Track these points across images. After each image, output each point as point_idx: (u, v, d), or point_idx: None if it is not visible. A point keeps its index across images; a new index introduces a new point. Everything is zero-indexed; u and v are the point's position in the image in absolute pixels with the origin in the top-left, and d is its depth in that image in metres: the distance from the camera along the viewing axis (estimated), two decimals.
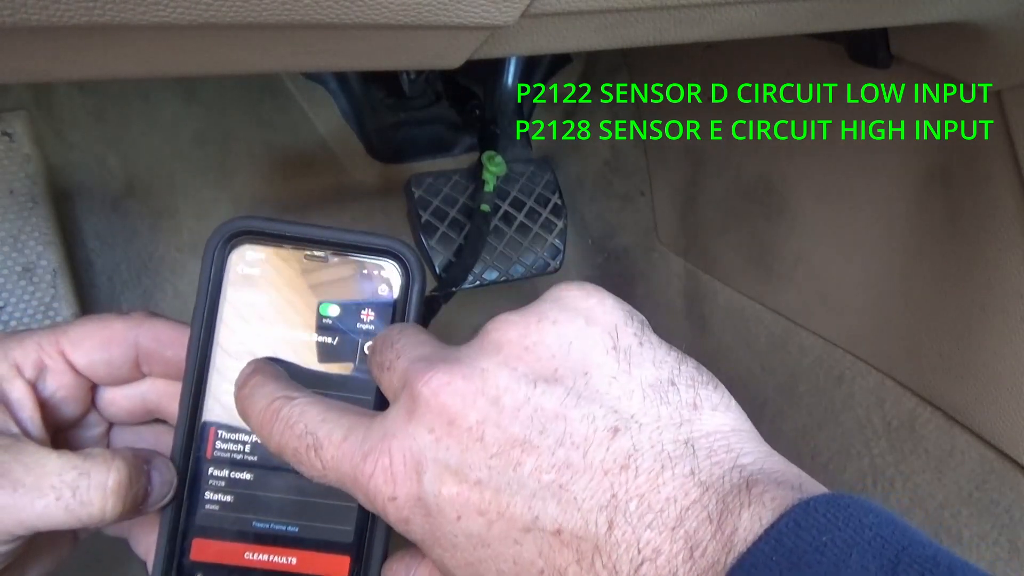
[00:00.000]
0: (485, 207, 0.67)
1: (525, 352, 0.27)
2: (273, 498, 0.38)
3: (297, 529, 0.38)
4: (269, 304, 0.37)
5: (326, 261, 0.38)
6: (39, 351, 0.35)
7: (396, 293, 0.38)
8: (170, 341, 0.37)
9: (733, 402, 0.27)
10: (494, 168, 0.67)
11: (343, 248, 0.38)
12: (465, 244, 0.67)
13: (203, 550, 0.38)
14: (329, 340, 0.38)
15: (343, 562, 0.38)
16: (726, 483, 0.23)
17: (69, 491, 0.31)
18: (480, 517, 0.25)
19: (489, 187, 0.67)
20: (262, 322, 0.37)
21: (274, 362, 0.36)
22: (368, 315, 0.38)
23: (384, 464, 0.27)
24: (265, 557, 0.38)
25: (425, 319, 0.66)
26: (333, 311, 0.38)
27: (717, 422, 0.26)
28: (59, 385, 0.36)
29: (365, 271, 0.38)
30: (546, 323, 0.27)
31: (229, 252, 0.37)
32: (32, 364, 0.35)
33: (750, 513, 0.22)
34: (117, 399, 0.38)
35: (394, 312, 0.38)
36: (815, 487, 0.24)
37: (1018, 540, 0.46)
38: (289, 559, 0.38)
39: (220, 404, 0.37)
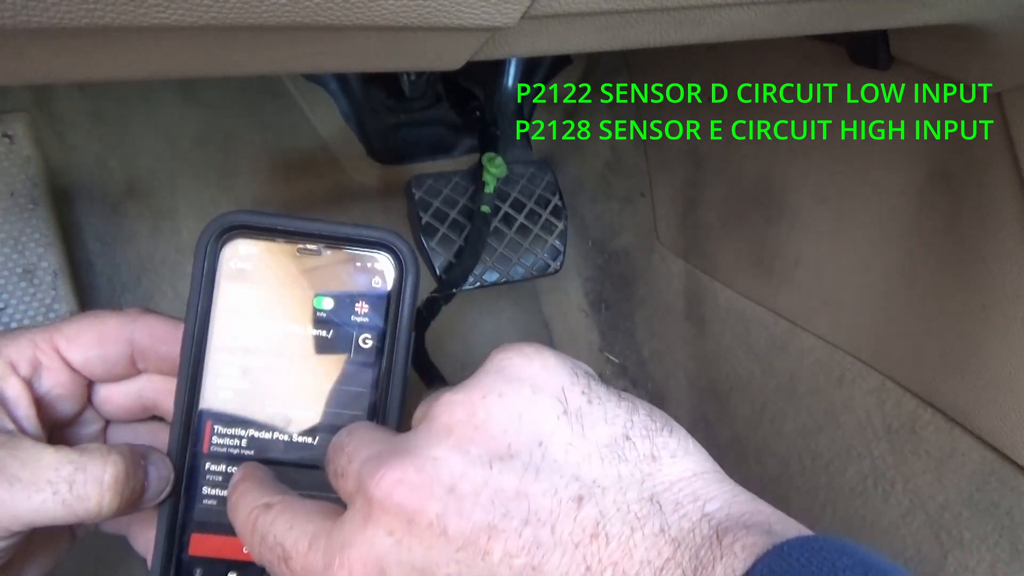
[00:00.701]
0: (485, 208, 0.67)
1: (475, 432, 0.26)
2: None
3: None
4: (263, 298, 0.37)
5: (319, 254, 0.37)
6: (34, 348, 0.35)
7: (390, 285, 0.38)
8: (165, 337, 0.37)
9: (691, 443, 0.27)
10: (495, 170, 0.67)
11: (336, 241, 0.37)
12: (465, 245, 0.67)
13: (202, 545, 0.37)
14: (324, 333, 0.38)
15: None
16: (696, 536, 0.23)
17: (66, 486, 0.31)
18: None
19: (489, 188, 0.67)
20: (256, 316, 0.37)
21: (261, 466, 0.35)
22: (363, 307, 0.38)
23: (344, 574, 0.26)
24: None
25: (426, 320, 0.66)
26: (327, 304, 0.37)
27: (678, 470, 0.25)
28: (55, 382, 0.35)
29: (359, 263, 0.38)
30: (492, 397, 0.27)
31: (222, 247, 0.36)
32: (27, 361, 0.34)
33: (723, 565, 0.22)
34: (113, 396, 0.38)
35: (388, 303, 0.38)
36: (786, 528, 0.24)
37: (1019, 542, 0.46)
38: None
39: (216, 399, 0.37)
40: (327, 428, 0.37)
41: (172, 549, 0.37)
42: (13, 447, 0.31)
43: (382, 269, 0.38)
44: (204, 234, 0.36)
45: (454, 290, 0.65)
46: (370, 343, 0.38)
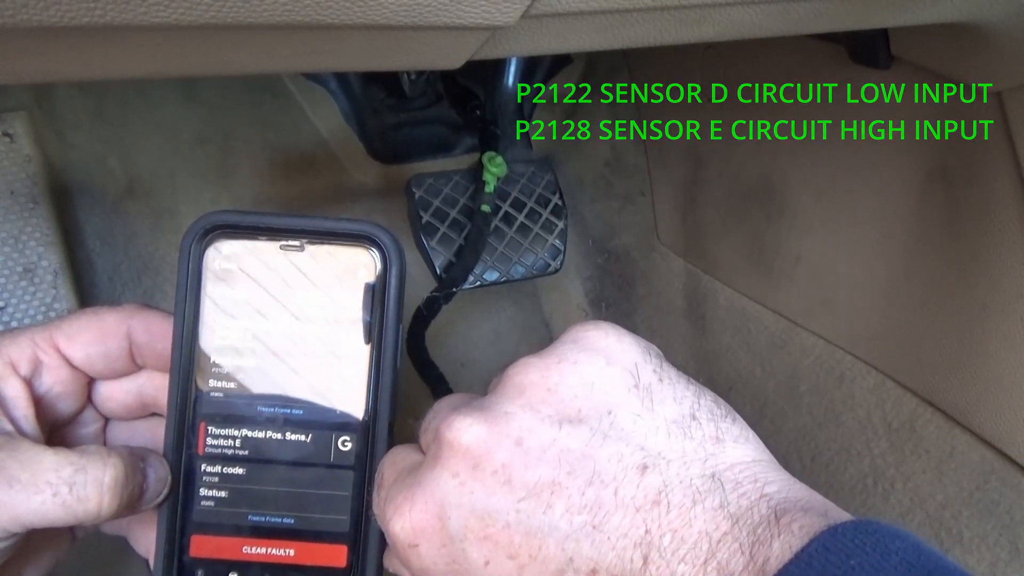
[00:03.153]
0: (486, 208, 0.67)
1: (548, 394, 0.27)
2: (267, 491, 0.37)
3: (293, 521, 0.37)
4: (250, 296, 0.37)
5: (303, 250, 0.37)
6: (34, 347, 0.35)
7: (375, 277, 0.37)
8: (161, 333, 0.37)
9: (751, 433, 0.28)
10: (495, 169, 0.67)
11: (319, 236, 0.37)
12: (465, 245, 0.67)
13: (202, 546, 0.37)
14: (313, 329, 0.37)
15: (341, 552, 0.38)
16: (755, 514, 0.24)
17: (66, 487, 0.31)
18: (510, 561, 0.25)
19: (490, 188, 0.67)
20: (244, 315, 0.37)
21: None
22: (349, 300, 0.37)
23: (405, 511, 0.27)
24: (263, 550, 0.37)
25: (426, 320, 0.66)
26: (314, 299, 0.37)
27: (740, 453, 0.26)
28: (55, 381, 0.35)
29: (343, 257, 0.37)
30: (567, 364, 0.28)
31: (205, 248, 0.36)
32: (28, 360, 0.34)
33: (780, 542, 0.23)
34: (114, 393, 0.38)
35: (373, 295, 0.37)
36: (841, 514, 0.24)
37: (1019, 541, 0.46)
38: (287, 551, 0.38)
39: (208, 400, 0.37)
40: (320, 425, 0.37)
41: (173, 551, 0.37)
42: (12, 448, 0.31)
43: (366, 261, 0.37)
44: (187, 236, 0.36)
45: (454, 289, 0.65)
46: (359, 336, 0.37)
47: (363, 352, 0.37)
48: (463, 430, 0.26)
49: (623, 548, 0.24)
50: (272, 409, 0.37)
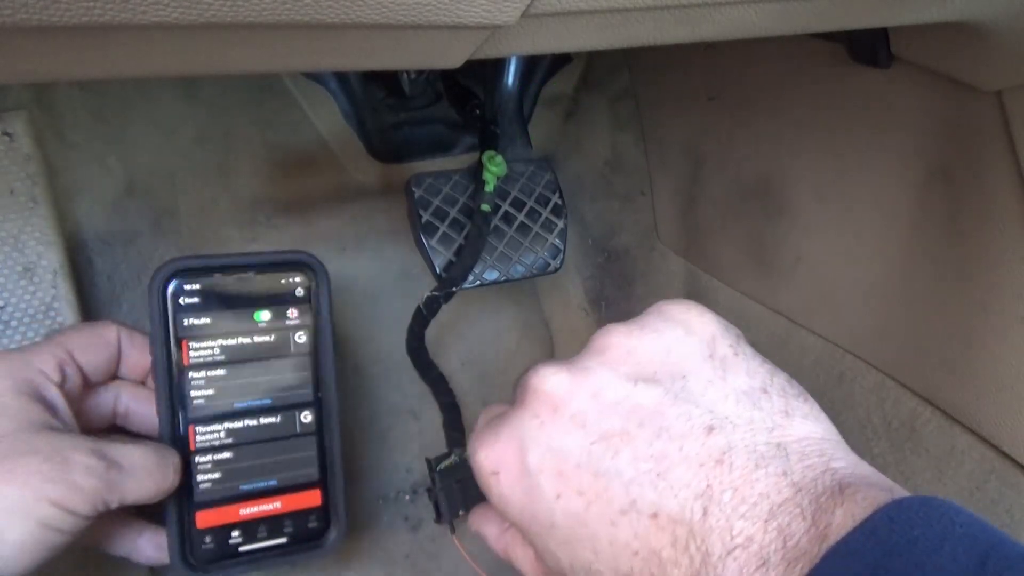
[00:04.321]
0: (486, 207, 0.67)
1: (627, 355, 0.29)
2: (253, 464, 0.48)
3: (276, 481, 0.49)
4: (213, 321, 0.47)
5: (252, 278, 0.48)
6: (57, 358, 0.40)
7: (310, 291, 0.49)
8: (145, 348, 0.44)
9: (823, 414, 0.28)
10: (495, 168, 0.67)
11: (261, 267, 0.48)
12: (465, 244, 0.67)
13: (206, 519, 0.47)
14: (268, 339, 0.49)
15: (316, 494, 0.50)
16: (819, 485, 0.24)
17: (159, 472, 0.39)
18: (578, 497, 0.27)
19: (489, 187, 0.67)
20: (211, 337, 0.47)
21: None
22: (292, 312, 0.49)
23: (490, 442, 0.30)
24: (256, 509, 0.48)
25: (425, 319, 0.66)
26: (265, 316, 0.49)
27: (807, 429, 0.27)
28: (73, 385, 0.41)
29: (283, 280, 0.49)
30: (648, 331, 0.30)
31: (168, 288, 0.46)
32: (55, 370, 0.40)
33: (843, 511, 0.23)
34: (99, 399, 0.45)
35: (310, 304, 0.49)
36: (905, 492, 0.25)
37: (1019, 540, 0.46)
38: (275, 504, 0.49)
39: (192, 407, 0.46)
40: (283, 407, 0.49)
41: (183, 528, 0.46)
42: (103, 444, 0.38)
43: (301, 281, 0.49)
44: (153, 282, 0.45)
45: (454, 288, 0.65)
46: (304, 338, 0.49)
47: (307, 346, 0.49)
48: (547, 377, 0.29)
49: (684, 498, 0.25)
50: (246, 403, 0.48)
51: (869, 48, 0.50)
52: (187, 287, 0.46)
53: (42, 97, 0.60)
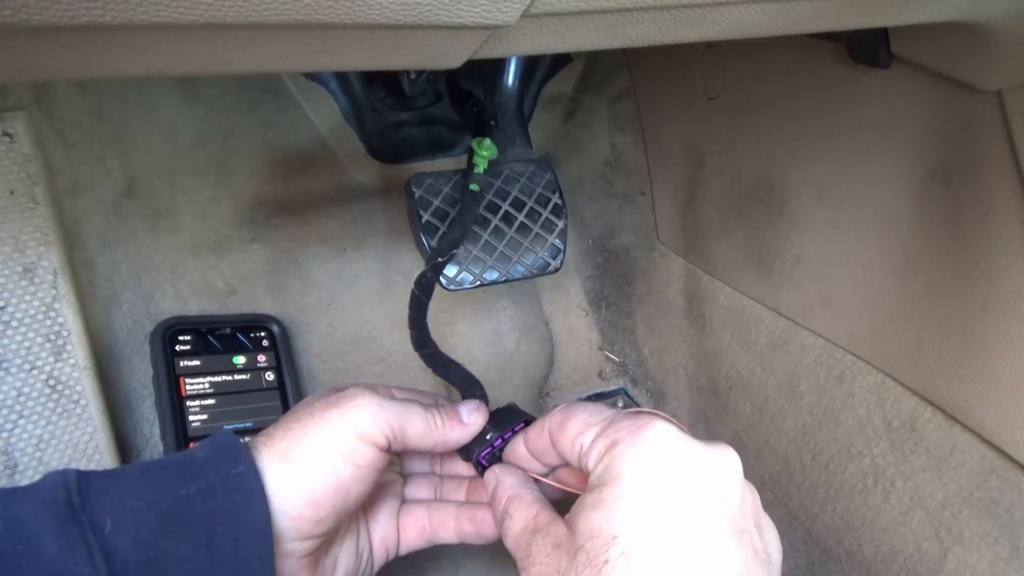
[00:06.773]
0: (474, 186, 0.67)
1: None
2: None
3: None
4: (203, 364, 0.64)
5: (230, 332, 0.66)
6: (380, 425, 0.46)
7: (274, 341, 0.68)
8: (414, 433, 0.48)
9: None
10: (485, 152, 0.67)
11: (236, 324, 0.66)
12: (454, 218, 0.67)
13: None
14: (245, 376, 0.65)
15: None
16: None
17: (434, 416, 0.49)
18: None
19: (479, 168, 0.67)
20: (202, 374, 0.63)
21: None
22: (262, 357, 0.66)
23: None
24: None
25: (424, 305, 0.66)
26: (241, 359, 0.66)
27: None
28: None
29: (252, 334, 0.67)
30: None
31: (167, 338, 0.63)
32: (383, 435, 0.47)
33: None
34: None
35: (275, 351, 0.67)
36: None
37: (1019, 540, 0.46)
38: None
39: (189, 428, 0.61)
40: (261, 429, 0.53)
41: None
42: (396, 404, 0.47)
43: (266, 335, 0.68)
44: (153, 335, 0.63)
45: (439, 259, 0.65)
46: (272, 376, 0.66)
47: (275, 382, 0.66)
48: None
49: None
50: (232, 426, 0.63)
51: (869, 48, 0.51)
52: (181, 337, 0.63)
53: (42, 97, 0.60)
